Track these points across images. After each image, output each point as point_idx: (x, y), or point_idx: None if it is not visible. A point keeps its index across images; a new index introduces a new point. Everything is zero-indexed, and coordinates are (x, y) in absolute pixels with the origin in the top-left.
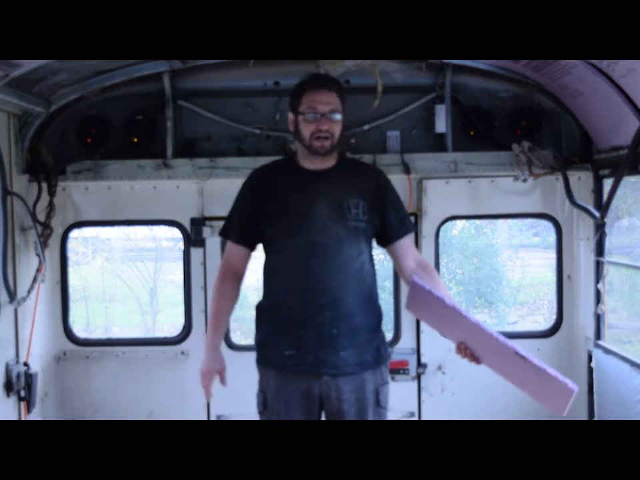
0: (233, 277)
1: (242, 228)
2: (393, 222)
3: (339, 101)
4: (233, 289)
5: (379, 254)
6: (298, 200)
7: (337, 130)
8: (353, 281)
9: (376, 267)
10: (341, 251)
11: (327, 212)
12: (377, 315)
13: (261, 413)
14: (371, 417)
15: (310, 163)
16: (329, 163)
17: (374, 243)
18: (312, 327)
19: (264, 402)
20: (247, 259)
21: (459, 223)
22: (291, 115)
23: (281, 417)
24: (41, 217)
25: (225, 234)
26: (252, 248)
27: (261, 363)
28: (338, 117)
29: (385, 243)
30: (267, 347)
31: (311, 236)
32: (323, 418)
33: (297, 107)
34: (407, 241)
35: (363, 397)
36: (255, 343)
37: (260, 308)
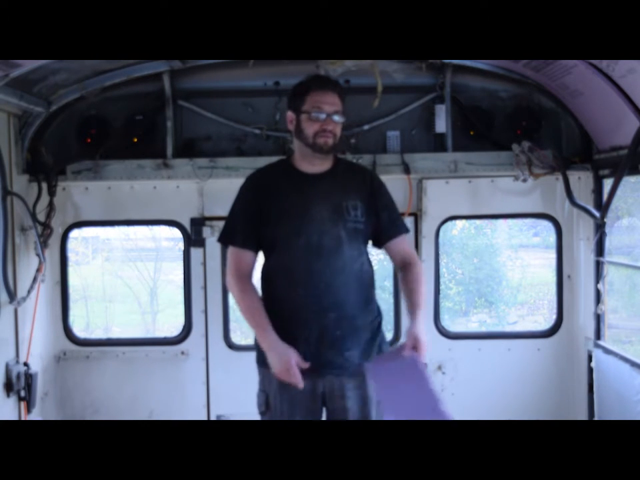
0: (246, 278)
1: (246, 232)
2: (384, 224)
3: (340, 103)
4: (252, 286)
5: (379, 254)
6: (298, 202)
7: (338, 131)
8: (354, 281)
9: (375, 266)
10: (342, 252)
11: (327, 214)
12: (377, 314)
13: (262, 413)
14: (373, 414)
15: (308, 165)
16: (326, 165)
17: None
18: (316, 328)
19: (266, 403)
20: (254, 263)
21: (459, 223)
22: (291, 114)
23: (284, 418)
24: (41, 217)
25: (227, 240)
26: (257, 251)
27: (263, 363)
28: (341, 118)
29: (378, 244)
30: None
31: (312, 237)
32: (324, 415)
33: (300, 106)
34: (397, 242)
35: (366, 394)
36: (255, 344)
37: None
